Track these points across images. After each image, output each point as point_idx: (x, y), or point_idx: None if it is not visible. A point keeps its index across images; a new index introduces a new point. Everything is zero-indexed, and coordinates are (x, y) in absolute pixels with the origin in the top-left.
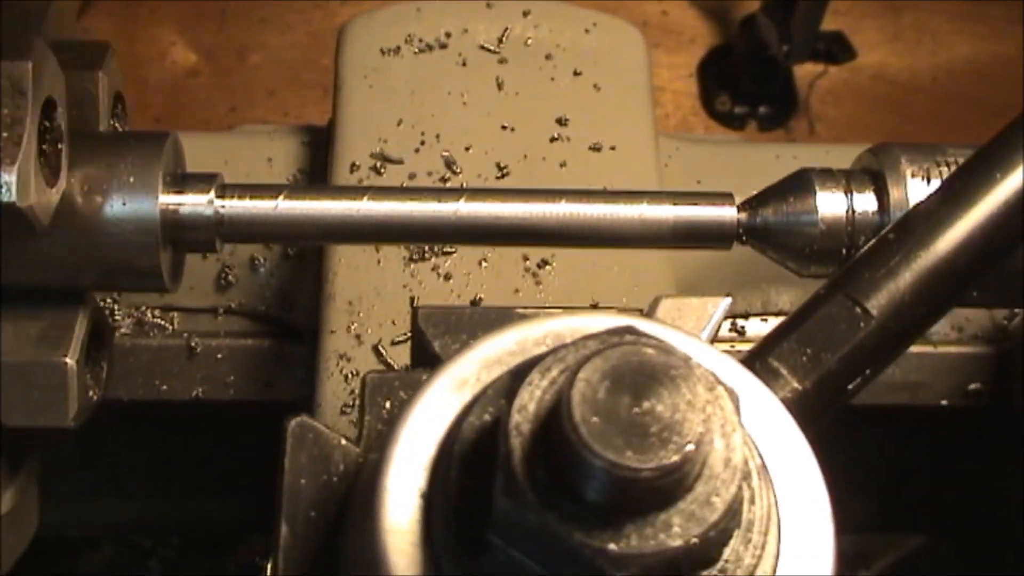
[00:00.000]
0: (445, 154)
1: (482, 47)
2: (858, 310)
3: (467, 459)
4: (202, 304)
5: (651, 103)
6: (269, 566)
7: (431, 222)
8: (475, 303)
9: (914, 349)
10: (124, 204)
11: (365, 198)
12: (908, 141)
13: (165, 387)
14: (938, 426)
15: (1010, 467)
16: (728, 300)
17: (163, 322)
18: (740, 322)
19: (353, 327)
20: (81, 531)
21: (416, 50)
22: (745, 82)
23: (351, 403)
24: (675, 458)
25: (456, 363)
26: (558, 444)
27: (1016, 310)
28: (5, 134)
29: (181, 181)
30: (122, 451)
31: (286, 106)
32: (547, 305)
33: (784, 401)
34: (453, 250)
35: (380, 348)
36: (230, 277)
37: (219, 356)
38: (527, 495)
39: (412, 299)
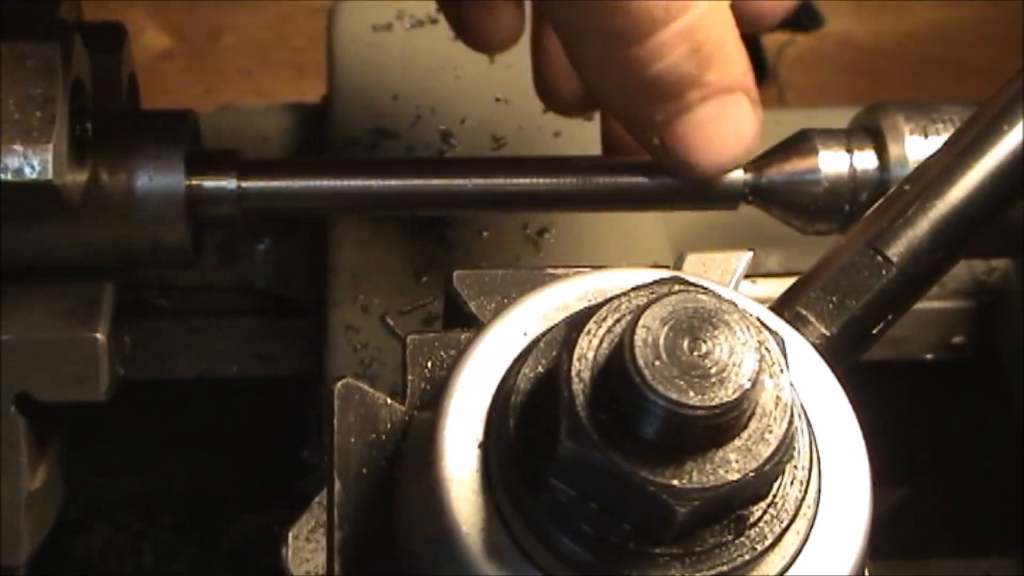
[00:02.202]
0: (441, 127)
1: None
2: (879, 258)
3: (524, 408)
4: (200, 282)
5: None
6: (291, 534)
7: (447, 192)
8: None
9: None
10: (150, 181)
11: (385, 170)
12: None
13: (167, 365)
14: (922, 379)
15: (992, 419)
16: (750, 254)
17: (162, 301)
18: None
19: (359, 299)
20: (74, 513)
21: (408, 26)
22: None
23: (362, 373)
24: (733, 396)
25: (502, 319)
26: (620, 388)
27: (995, 264)
28: (39, 113)
29: (203, 158)
30: (115, 431)
31: (260, 86)
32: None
33: (813, 346)
34: (453, 221)
35: (387, 319)
36: (227, 255)
37: (219, 333)
38: (591, 436)
39: (416, 269)
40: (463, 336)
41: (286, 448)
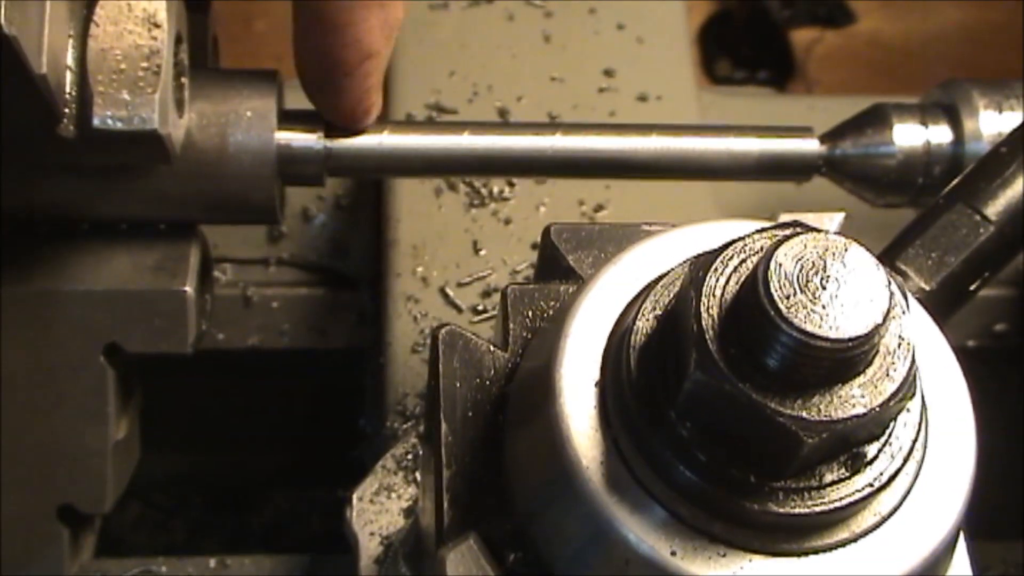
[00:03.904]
0: (498, 104)
1: (528, 2)
2: (977, 217)
3: (644, 348)
4: (255, 255)
5: (691, 56)
6: (356, 496)
7: (529, 155)
8: (535, 246)
9: None
10: (242, 138)
11: (466, 132)
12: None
13: (222, 336)
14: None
15: None
16: (843, 215)
17: (217, 273)
18: None
19: (419, 270)
20: None
21: (464, 4)
22: (745, 47)
23: (422, 343)
24: (865, 330)
25: (613, 266)
26: (752, 322)
27: None
28: (144, 64)
29: (290, 117)
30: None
31: (294, 71)
32: None
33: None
34: (512, 196)
35: (446, 290)
36: (283, 228)
37: (274, 305)
38: (722, 368)
39: (475, 242)
40: (563, 288)
41: (339, 419)
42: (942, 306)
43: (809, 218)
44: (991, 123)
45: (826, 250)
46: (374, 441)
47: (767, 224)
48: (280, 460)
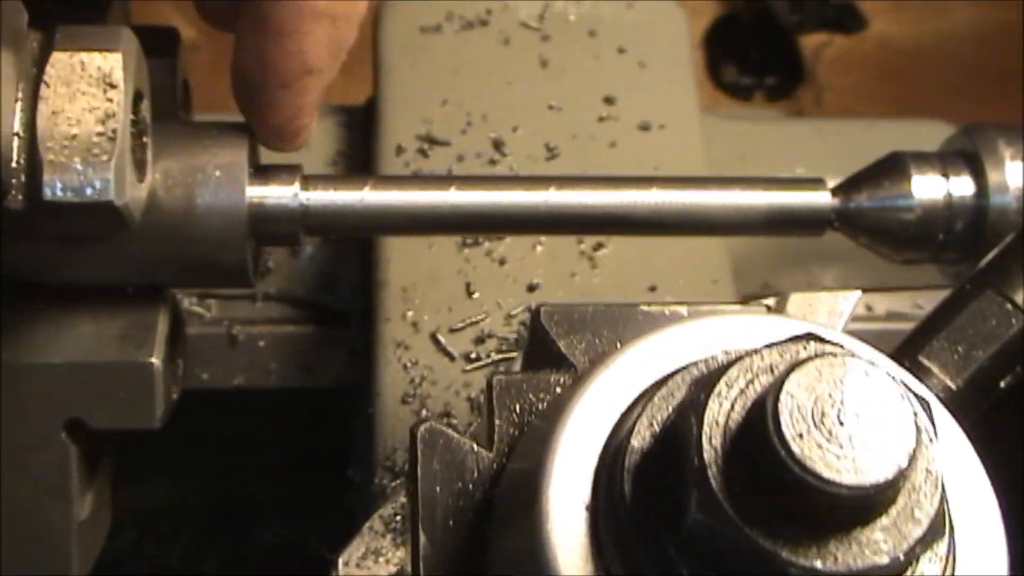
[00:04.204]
0: (493, 135)
1: (524, 24)
2: (1009, 306)
3: (639, 470)
4: (240, 291)
5: (694, 80)
6: (342, 560)
7: (520, 212)
8: (532, 288)
9: None
10: (211, 198)
11: (452, 188)
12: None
13: (206, 376)
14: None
15: None
16: (858, 294)
17: (201, 309)
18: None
19: (409, 314)
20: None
21: (457, 27)
22: (752, 52)
23: (412, 393)
24: (888, 475)
25: (606, 368)
26: (761, 460)
27: None
28: (99, 128)
29: (264, 173)
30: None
31: None
32: (605, 288)
33: (939, 400)
34: (506, 234)
35: (438, 336)
36: (269, 262)
37: (261, 343)
38: (726, 511)
39: (467, 284)
40: (553, 378)
41: (327, 461)
42: (968, 405)
43: (823, 298)
44: (1018, 175)
45: (843, 378)
46: (363, 493)
47: (765, 328)
48: (274, 494)
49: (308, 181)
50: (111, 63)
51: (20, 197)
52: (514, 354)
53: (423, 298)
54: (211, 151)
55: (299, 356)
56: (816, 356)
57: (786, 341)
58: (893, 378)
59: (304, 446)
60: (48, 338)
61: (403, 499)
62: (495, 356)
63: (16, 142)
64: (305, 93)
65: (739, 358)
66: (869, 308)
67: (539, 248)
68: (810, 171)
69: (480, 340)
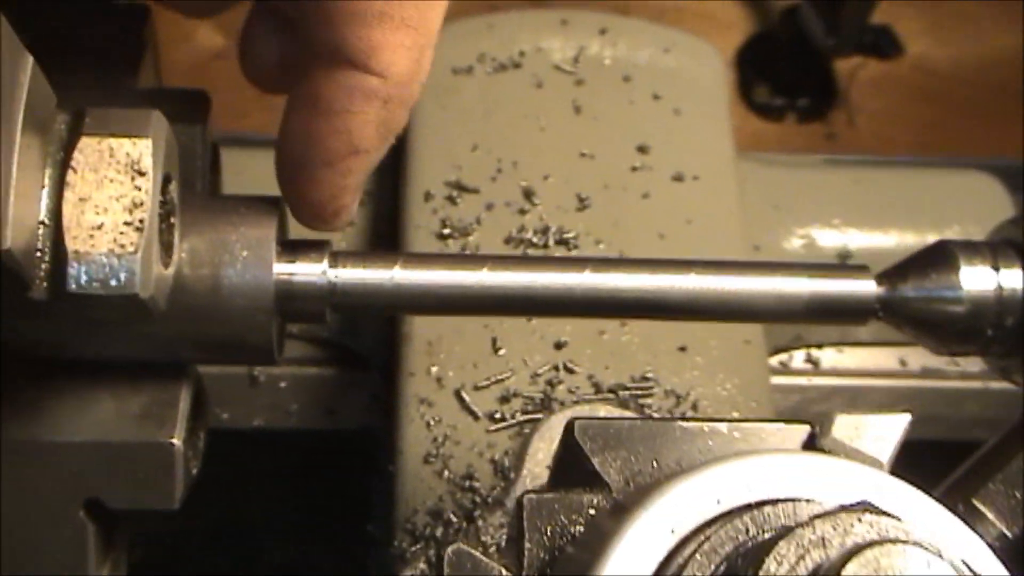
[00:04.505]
0: (524, 183)
1: (558, 67)
2: None
3: None
4: None
5: (730, 127)
6: None
7: (554, 295)
8: (559, 346)
9: (995, 385)
10: (237, 277)
11: (484, 269)
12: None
13: (226, 416)
14: None
15: None
16: (908, 417)
17: None
18: (815, 352)
19: (433, 370)
20: None
21: (489, 69)
22: (785, 73)
23: (435, 452)
24: None
25: (646, 511)
26: None
27: None
28: (127, 218)
29: (292, 249)
30: None
31: None
32: (634, 348)
33: (991, 547)
34: None
35: (462, 394)
36: None
37: (282, 384)
38: None
39: (494, 340)
40: (586, 499)
41: (347, 506)
42: None
43: (870, 422)
44: None
45: (904, 571)
46: (382, 552)
47: (819, 460)
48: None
49: (337, 258)
50: (140, 149)
51: (44, 286)
52: (539, 416)
53: (448, 353)
54: (239, 228)
55: (321, 398)
56: (874, 544)
57: (838, 511)
58: (956, 569)
59: (321, 496)
60: (68, 416)
61: (422, 566)
62: (520, 417)
63: (42, 229)
64: (349, 174)
65: (788, 530)
66: (903, 363)
67: None
68: (846, 221)
69: (505, 399)
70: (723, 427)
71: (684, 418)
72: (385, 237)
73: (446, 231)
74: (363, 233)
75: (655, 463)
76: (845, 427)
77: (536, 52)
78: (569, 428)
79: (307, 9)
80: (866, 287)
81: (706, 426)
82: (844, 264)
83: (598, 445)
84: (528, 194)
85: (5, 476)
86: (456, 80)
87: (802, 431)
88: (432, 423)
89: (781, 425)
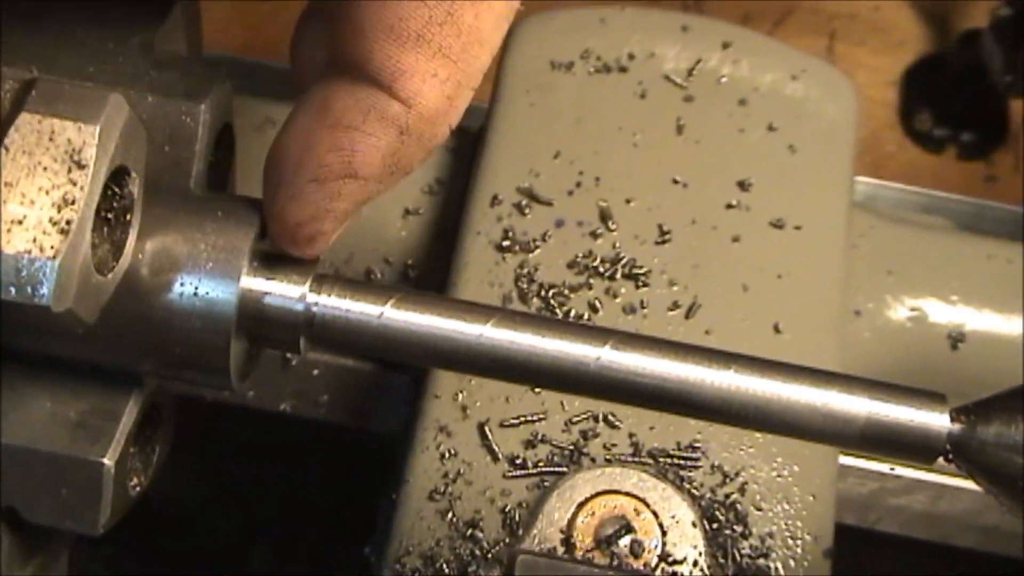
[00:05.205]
0: (602, 203)
1: (667, 78)
2: None
3: None
4: None
5: (851, 175)
6: None
7: (563, 368)
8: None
9: None
10: (196, 292)
11: (489, 323)
12: None
13: (252, 394)
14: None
15: None
16: None
17: None
18: None
19: (460, 396)
20: None
21: (592, 69)
22: (954, 103)
23: (442, 489)
24: None
25: None
26: None
27: None
28: (52, 215)
29: (271, 264)
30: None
31: None
32: None
33: None
34: (593, 322)
35: (486, 429)
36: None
37: (315, 372)
38: None
39: None
40: None
41: (360, 508)
42: None
43: None
44: None
45: None
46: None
47: None
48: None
49: (321, 282)
50: (84, 137)
51: None
52: (564, 470)
53: (480, 381)
54: (209, 235)
55: (354, 394)
56: None
57: None
58: None
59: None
60: None
61: None
62: (543, 467)
63: None
64: (337, 198)
65: None
66: None
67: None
68: (966, 299)
69: (531, 444)
70: None
71: (647, 574)
72: (449, 236)
73: (506, 243)
74: (430, 225)
75: None
76: None
77: (647, 57)
78: (511, 563)
79: (342, 14)
80: (937, 421)
81: None
82: (915, 389)
83: None
84: (605, 216)
85: None
86: (553, 76)
87: None
88: (447, 455)
89: None
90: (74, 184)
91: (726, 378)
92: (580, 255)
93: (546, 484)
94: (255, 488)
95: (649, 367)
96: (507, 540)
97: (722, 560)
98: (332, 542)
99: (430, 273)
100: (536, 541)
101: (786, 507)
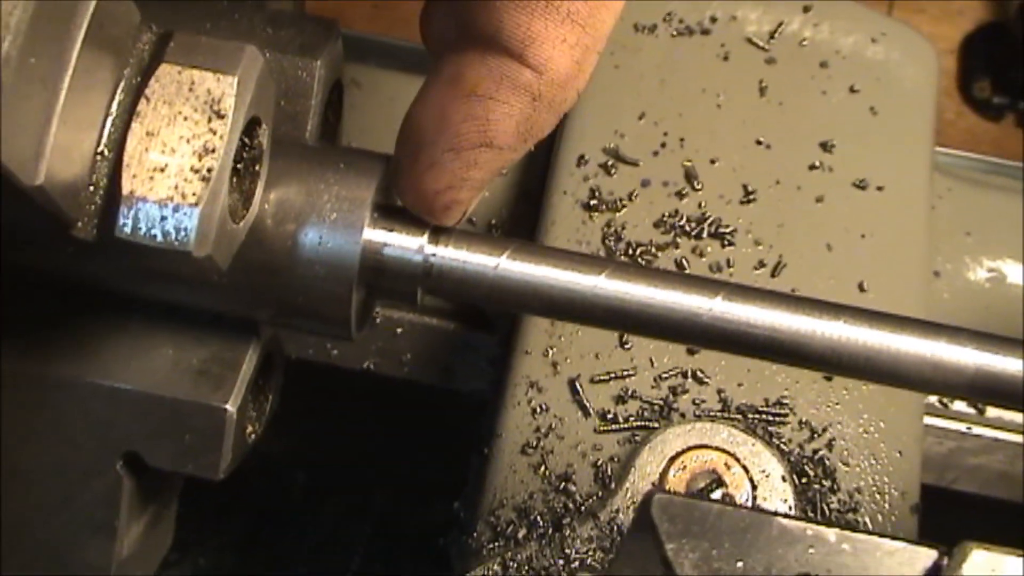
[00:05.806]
0: (687, 163)
1: (750, 40)
2: None
3: None
4: None
5: (932, 137)
6: None
7: (676, 318)
8: (693, 350)
9: None
10: (320, 240)
11: (603, 274)
12: None
13: (336, 352)
14: None
15: None
16: None
17: None
18: None
19: (551, 352)
20: None
21: (674, 31)
22: (1013, 71)
23: (535, 443)
24: None
25: None
26: None
27: None
28: (194, 163)
29: (390, 215)
30: None
31: None
32: (773, 367)
33: None
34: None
35: (577, 384)
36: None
37: (399, 330)
38: None
39: (622, 333)
40: None
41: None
42: None
43: (1008, 562)
44: None
45: None
46: (461, 540)
47: None
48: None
49: (439, 235)
50: (223, 88)
51: (93, 225)
52: (655, 425)
53: (571, 337)
54: (333, 185)
55: (437, 353)
56: None
57: None
58: None
59: (425, 448)
60: (120, 358)
61: (495, 567)
62: (634, 422)
63: (99, 161)
64: (473, 166)
65: None
66: None
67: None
68: None
69: (621, 399)
70: (831, 535)
71: (786, 515)
72: (534, 196)
73: (593, 202)
74: (514, 186)
75: (740, 564)
76: (979, 566)
77: (730, 20)
78: (646, 502)
79: None
80: None
81: (810, 529)
82: (1021, 340)
83: (676, 529)
84: (690, 176)
85: (44, 415)
86: (636, 38)
87: (927, 557)
88: (538, 411)
89: (903, 545)
90: (214, 133)
91: (836, 329)
92: (666, 214)
93: (637, 439)
94: (329, 445)
95: (760, 318)
96: (599, 494)
97: (811, 514)
98: (400, 503)
99: (514, 232)
100: (628, 495)
101: (873, 463)
